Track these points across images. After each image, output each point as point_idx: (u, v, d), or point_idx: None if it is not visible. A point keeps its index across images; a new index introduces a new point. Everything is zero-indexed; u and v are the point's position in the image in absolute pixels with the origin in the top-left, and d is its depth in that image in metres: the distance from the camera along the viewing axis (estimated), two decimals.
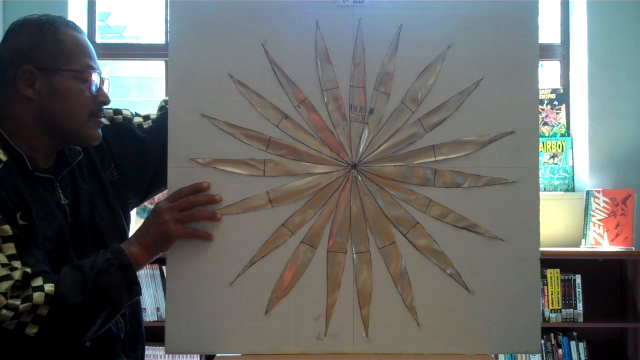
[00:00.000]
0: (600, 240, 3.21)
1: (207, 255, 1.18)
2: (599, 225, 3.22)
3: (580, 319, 3.11)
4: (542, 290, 3.21)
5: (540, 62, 4.84)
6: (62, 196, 1.23)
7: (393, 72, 1.19)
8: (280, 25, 1.19)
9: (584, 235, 3.25)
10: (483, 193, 1.19)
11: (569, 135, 3.51)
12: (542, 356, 3.18)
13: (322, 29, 1.19)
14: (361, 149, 1.19)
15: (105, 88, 1.26)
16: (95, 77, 1.23)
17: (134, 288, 1.17)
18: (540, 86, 3.96)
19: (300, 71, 1.18)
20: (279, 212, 1.18)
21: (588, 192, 3.28)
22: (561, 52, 3.62)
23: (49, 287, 1.10)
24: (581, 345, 3.17)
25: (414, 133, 1.19)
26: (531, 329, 1.20)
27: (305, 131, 1.19)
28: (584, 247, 3.23)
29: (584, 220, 3.26)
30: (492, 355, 1.22)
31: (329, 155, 1.19)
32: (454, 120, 1.19)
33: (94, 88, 1.22)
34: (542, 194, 3.65)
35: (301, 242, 1.18)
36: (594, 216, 3.23)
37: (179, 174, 1.18)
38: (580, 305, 3.13)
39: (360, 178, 1.19)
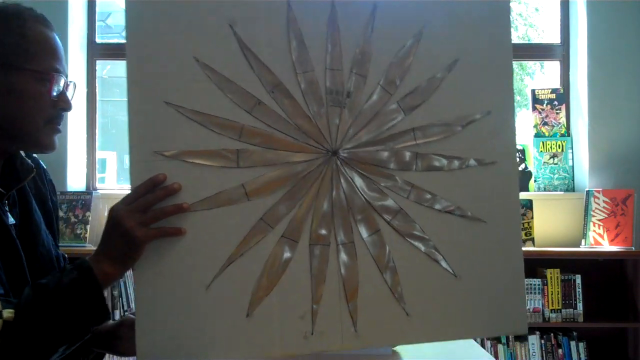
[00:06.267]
0: (600, 240, 3.21)
1: (179, 257, 1.07)
2: (599, 225, 3.22)
3: (580, 319, 3.12)
4: (542, 290, 3.21)
5: (540, 62, 4.79)
6: (9, 215, 1.13)
7: (369, 53, 1.14)
8: (249, 4, 1.10)
9: (584, 235, 3.26)
10: (463, 175, 1.16)
11: (569, 135, 3.51)
12: (542, 356, 3.18)
13: (294, 8, 1.11)
14: (340, 134, 1.13)
15: (70, 93, 1.17)
16: (58, 81, 1.13)
17: (101, 314, 1.06)
18: (540, 86, 3.96)
19: (273, 54, 1.10)
20: (256, 205, 1.09)
21: (588, 192, 3.29)
22: (561, 52, 3.62)
23: (8, 314, 0.98)
24: (581, 345, 3.18)
25: (393, 116, 1.15)
26: (517, 310, 1.18)
27: (280, 117, 1.10)
28: (584, 247, 3.23)
29: (584, 220, 3.26)
30: (492, 354, 1.22)
31: (307, 142, 1.11)
32: (432, 102, 1.16)
33: (54, 92, 1.13)
34: (542, 194, 3.66)
35: (281, 236, 1.10)
36: (594, 216, 3.23)
37: (143, 170, 1.06)
38: (580, 305, 3.14)
39: (340, 165, 1.12)
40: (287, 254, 1.10)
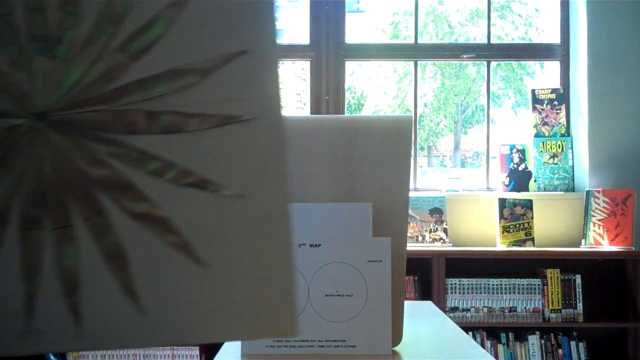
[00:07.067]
0: (600, 240, 3.21)
1: None
2: (599, 225, 3.22)
3: (580, 319, 3.12)
4: (542, 290, 3.21)
5: (540, 62, 4.76)
6: None
7: None
8: None
9: (584, 235, 3.26)
10: (212, 137, 0.94)
11: (569, 135, 3.52)
12: (542, 356, 3.18)
13: None
14: (48, 92, 0.94)
15: None
16: None
17: None
18: (540, 86, 3.95)
19: None
20: None
21: (588, 192, 3.28)
22: (561, 52, 3.63)
23: None
24: (581, 345, 3.18)
25: (116, 65, 0.93)
26: (283, 307, 0.94)
27: None
28: (584, 247, 3.23)
29: (584, 220, 3.26)
30: (492, 354, 1.13)
31: (8, 105, 0.93)
32: (167, 42, 0.94)
33: None
34: (542, 194, 3.65)
35: None
36: (594, 216, 3.23)
37: None
38: (580, 305, 3.14)
39: (51, 132, 0.94)
40: None
